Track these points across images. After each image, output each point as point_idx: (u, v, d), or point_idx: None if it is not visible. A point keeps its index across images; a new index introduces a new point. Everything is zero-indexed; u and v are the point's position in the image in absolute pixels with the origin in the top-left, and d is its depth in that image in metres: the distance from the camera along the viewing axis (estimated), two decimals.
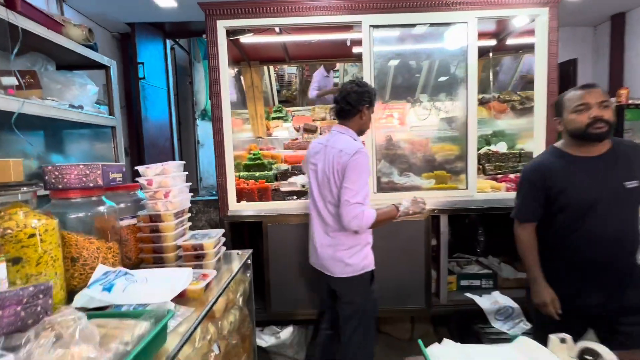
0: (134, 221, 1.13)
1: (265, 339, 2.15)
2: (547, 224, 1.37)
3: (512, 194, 2.21)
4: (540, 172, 1.34)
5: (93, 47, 2.06)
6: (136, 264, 1.14)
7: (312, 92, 3.82)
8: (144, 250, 1.10)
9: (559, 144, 1.37)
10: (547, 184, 1.31)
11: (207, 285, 0.95)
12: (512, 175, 2.38)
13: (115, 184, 0.96)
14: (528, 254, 1.41)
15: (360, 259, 1.56)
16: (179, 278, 0.87)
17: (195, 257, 1.10)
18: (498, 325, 2.13)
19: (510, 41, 2.77)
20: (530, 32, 2.36)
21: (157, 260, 1.10)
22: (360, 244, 1.57)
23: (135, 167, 1.05)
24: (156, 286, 0.81)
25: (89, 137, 2.34)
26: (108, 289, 0.76)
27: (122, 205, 1.13)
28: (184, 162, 1.17)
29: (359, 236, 1.57)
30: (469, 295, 2.23)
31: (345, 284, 1.58)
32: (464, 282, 2.36)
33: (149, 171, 1.06)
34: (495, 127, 2.98)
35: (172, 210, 1.09)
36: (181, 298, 0.89)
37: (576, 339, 1.32)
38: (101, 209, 0.96)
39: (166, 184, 1.07)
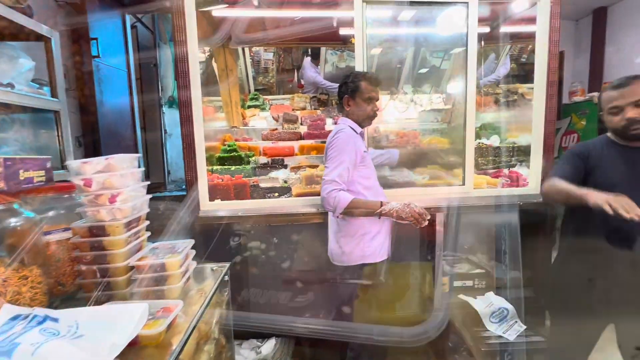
0: (68, 234, 0.84)
1: (244, 355, 1.91)
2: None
3: (509, 190, 2.13)
4: (587, 148, 1.33)
5: (27, 13, 1.68)
6: (72, 293, 0.85)
7: (318, 78, 3.48)
8: (83, 273, 0.82)
9: (610, 133, 1.33)
10: (588, 163, 1.29)
11: (171, 324, 0.70)
12: (506, 170, 2.27)
13: (32, 186, 0.67)
14: (563, 188, 1.25)
15: (358, 248, 1.52)
16: (127, 320, 0.61)
17: (155, 280, 0.84)
18: (493, 328, 2.03)
19: (503, 29, 2.64)
20: (526, 20, 2.25)
21: (101, 286, 0.82)
22: (359, 233, 1.51)
23: (66, 162, 0.77)
24: (89, 339, 0.55)
25: (28, 123, 1.95)
26: (7, 352, 0.49)
27: (50, 213, 0.84)
28: (139, 155, 0.89)
29: (357, 224, 1.51)
30: (463, 297, 2.11)
31: (341, 272, 1.59)
32: (457, 283, 2.24)
33: (86, 167, 0.78)
34: (483, 121, 2.89)
35: (122, 220, 0.82)
36: (133, 347, 0.63)
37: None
38: (11, 222, 0.67)
39: (111, 185, 0.79)
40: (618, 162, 1.22)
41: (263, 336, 1.99)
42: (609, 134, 1.33)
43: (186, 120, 1.79)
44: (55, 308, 0.70)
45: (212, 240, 1.80)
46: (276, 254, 1.92)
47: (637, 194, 1.16)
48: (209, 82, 2.85)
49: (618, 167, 1.22)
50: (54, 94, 1.87)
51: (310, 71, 3.49)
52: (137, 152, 3.59)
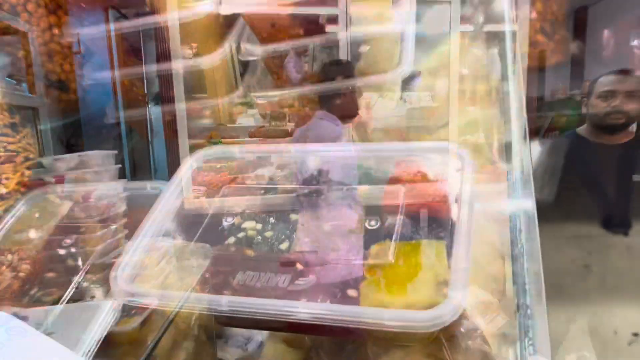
0: (41, 232, 0.83)
1: (230, 352, 1.91)
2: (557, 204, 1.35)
3: (492, 186, 2.17)
4: (558, 141, 1.39)
5: (2, 7, 1.64)
6: (45, 292, 0.84)
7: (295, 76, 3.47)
8: (54, 273, 0.81)
9: (580, 129, 1.36)
10: (561, 156, 1.32)
11: (145, 320, 0.70)
12: (490, 167, 2.32)
13: None
14: None
15: None
16: (98, 318, 0.61)
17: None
18: (476, 321, 2.08)
19: (486, 28, 2.68)
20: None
21: (75, 284, 0.81)
22: None
23: (38, 159, 0.75)
24: (58, 337, 0.55)
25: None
26: None
27: (22, 210, 0.83)
28: (115, 152, 0.88)
29: None
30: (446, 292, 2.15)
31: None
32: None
33: (58, 164, 0.77)
34: (467, 117, 2.94)
35: (96, 217, 0.81)
36: (105, 344, 0.62)
37: None
38: None
39: (85, 182, 0.78)
40: (590, 160, 1.27)
41: (250, 326, 1.98)
42: (578, 130, 1.36)
43: (168, 116, 1.77)
44: (26, 307, 0.69)
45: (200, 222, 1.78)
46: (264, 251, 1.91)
47: (609, 192, 1.20)
48: (196, 78, 2.82)
49: (590, 166, 1.26)
50: (31, 90, 1.83)
51: (289, 63, 3.48)
52: (122, 149, 3.54)
